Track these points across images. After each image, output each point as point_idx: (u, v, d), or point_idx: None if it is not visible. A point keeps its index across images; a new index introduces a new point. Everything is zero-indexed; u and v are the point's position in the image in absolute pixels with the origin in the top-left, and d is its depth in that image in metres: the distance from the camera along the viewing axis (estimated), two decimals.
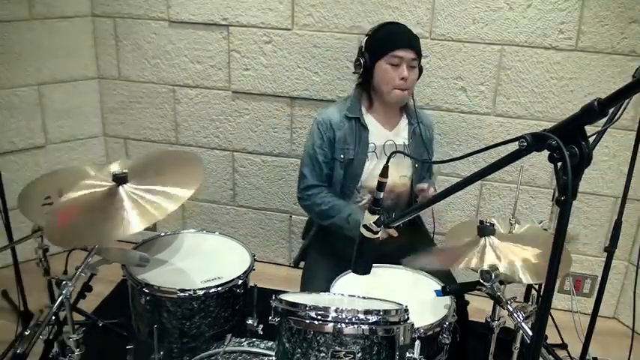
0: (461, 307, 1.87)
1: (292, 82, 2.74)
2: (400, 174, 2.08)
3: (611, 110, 1.33)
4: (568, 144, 0.87)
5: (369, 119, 2.08)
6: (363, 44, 2.01)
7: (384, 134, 2.08)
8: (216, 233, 2.08)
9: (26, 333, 1.56)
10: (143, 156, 1.82)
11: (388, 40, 1.97)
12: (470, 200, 2.76)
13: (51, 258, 1.91)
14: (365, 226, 1.34)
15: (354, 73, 2.08)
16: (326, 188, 2.08)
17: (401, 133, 2.10)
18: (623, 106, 1.57)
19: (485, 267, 1.51)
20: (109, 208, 1.55)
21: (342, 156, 2.04)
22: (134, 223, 1.48)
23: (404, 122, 2.12)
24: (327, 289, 1.74)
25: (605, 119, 1.16)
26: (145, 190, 1.59)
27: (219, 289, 1.74)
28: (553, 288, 0.88)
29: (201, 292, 1.70)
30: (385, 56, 1.95)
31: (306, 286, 2.03)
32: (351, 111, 2.06)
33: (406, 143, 2.09)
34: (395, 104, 2.06)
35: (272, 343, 1.62)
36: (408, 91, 2.00)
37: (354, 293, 1.60)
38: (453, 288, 1.69)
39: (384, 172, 1.29)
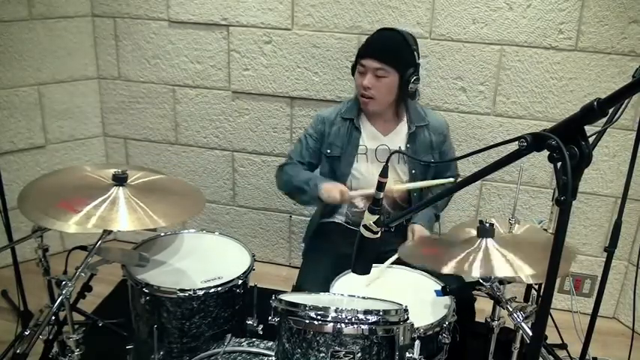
0: (468, 303, 1.87)
1: (292, 82, 2.74)
2: (394, 179, 2.07)
3: (610, 110, 1.33)
4: (568, 144, 0.87)
5: (364, 122, 2.09)
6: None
7: (378, 138, 2.08)
8: (216, 233, 2.09)
9: (26, 333, 1.57)
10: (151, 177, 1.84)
11: (360, 49, 2.02)
12: (470, 200, 2.77)
13: (51, 258, 1.91)
14: (365, 226, 1.34)
15: None
16: (303, 166, 2.16)
17: (397, 138, 2.09)
18: (622, 106, 1.57)
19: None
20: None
21: (328, 151, 2.09)
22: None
23: (402, 127, 2.10)
24: (324, 289, 1.74)
25: (604, 119, 1.16)
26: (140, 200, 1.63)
27: (219, 289, 1.74)
28: (553, 288, 0.88)
29: (201, 292, 1.71)
30: (357, 65, 2.01)
31: (302, 285, 2.02)
32: (348, 112, 2.10)
33: (402, 149, 2.07)
34: (368, 111, 2.06)
35: (272, 343, 1.62)
36: (375, 101, 1.99)
37: (354, 293, 1.60)
38: (453, 288, 1.70)
39: (384, 172, 1.29)
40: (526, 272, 1.44)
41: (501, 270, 1.44)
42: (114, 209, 1.57)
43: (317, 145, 2.12)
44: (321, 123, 2.11)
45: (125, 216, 1.55)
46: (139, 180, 1.75)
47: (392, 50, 1.97)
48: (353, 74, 2.08)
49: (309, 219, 2.34)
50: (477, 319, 1.97)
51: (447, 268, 1.46)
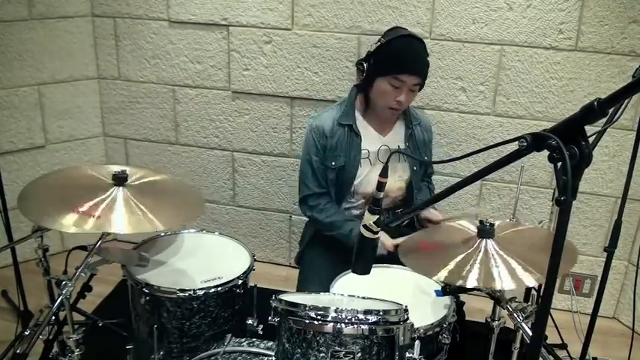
0: (457, 307, 1.87)
1: (292, 82, 2.74)
2: (396, 178, 2.07)
3: (610, 110, 1.33)
4: (568, 144, 0.87)
5: (363, 125, 2.06)
6: (372, 49, 1.93)
7: (379, 139, 2.07)
8: (216, 233, 2.09)
9: (26, 333, 1.57)
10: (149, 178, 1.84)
11: (396, 61, 1.89)
12: (470, 200, 2.76)
13: (51, 258, 1.91)
14: (364, 226, 1.34)
15: (357, 77, 2.03)
16: (327, 195, 2.08)
17: (396, 138, 2.09)
18: (622, 106, 1.57)
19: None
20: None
21: (333, 163, 2.04)
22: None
23: (400, 126, 2.10)
24: (324, 289, 1.74)
25: (604, 119, 1.16)
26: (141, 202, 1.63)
27: (219, 289, 1.74)
28: (553, 288, 0.88)
29: (201, 292, 1.71)
30: (388, 76, 1.90)
31: (303, 286, 2.02)
32: (344, 117, 2.04)
33: (402, 147, 2.07)
34: (392, 119, 2.05)
35: (272, 343, 1.62)
36: (400, 110, 1.99)
37: (354, 293, 1.60)
38: (453, 288, 1.69)
39: (384, 172, 1.29)
40: (528, 281, 1.43)
41: (502, 283, 1.43)
42: (112, 210, 1.57)
43: (323, 162, 2.06)
44: (321, 137, 2.03)
45: (122, 218, 1.56)
46: (139, 180, 1.75)
47: (427, 64, 1.96)
48: (367, 78, 1.95)
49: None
50: (477, 320, 1.97)
51: (442, 275, 1.46)
